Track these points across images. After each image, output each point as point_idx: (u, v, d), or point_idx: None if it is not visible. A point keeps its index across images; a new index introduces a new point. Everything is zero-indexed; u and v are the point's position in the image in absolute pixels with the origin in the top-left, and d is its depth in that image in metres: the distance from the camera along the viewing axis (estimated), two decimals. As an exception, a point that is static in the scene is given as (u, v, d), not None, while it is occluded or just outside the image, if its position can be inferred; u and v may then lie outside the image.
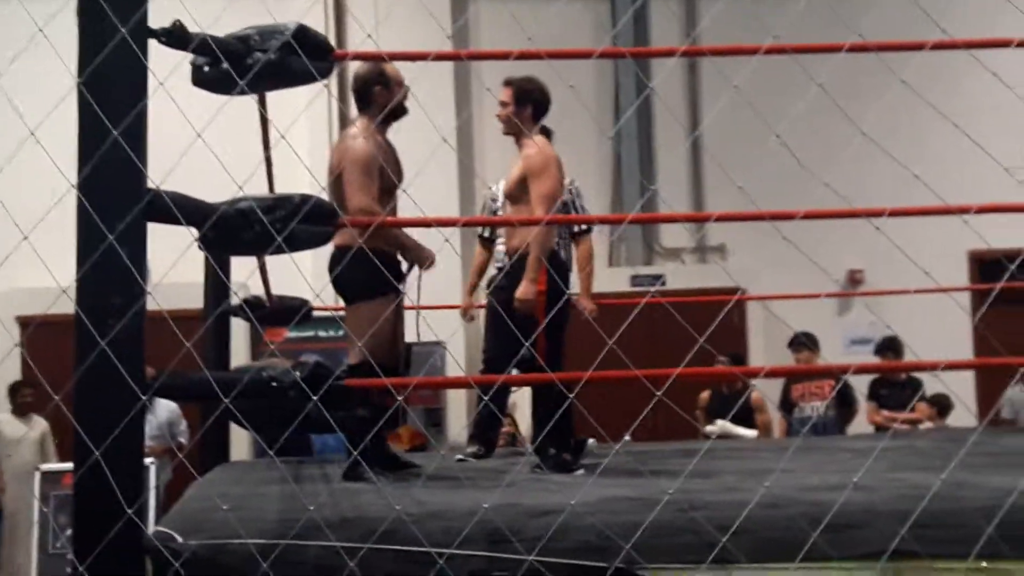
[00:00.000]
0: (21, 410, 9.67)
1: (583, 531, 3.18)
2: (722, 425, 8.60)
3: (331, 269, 4.83)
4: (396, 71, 5.07)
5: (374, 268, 4.49)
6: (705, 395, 9.46)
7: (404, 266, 4.95)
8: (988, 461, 4.58)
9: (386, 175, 4.89)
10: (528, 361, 4.79)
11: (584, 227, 6.19)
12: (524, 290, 5.14)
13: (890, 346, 8.93)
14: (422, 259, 4.90)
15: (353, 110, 5.11)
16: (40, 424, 9.62)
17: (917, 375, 9.21)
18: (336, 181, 4.83)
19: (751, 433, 8.92)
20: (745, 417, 8.94)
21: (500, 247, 6.11)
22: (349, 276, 4.73)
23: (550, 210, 5.15)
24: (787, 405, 9.42)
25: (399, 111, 5.07)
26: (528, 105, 5.40)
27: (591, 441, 5.49)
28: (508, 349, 4.92)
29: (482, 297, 6.15)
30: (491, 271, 6.17)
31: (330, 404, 3.23)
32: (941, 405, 9.01)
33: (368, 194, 4.75)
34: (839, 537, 3.14)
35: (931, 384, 8.95)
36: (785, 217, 3.44)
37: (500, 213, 6.04)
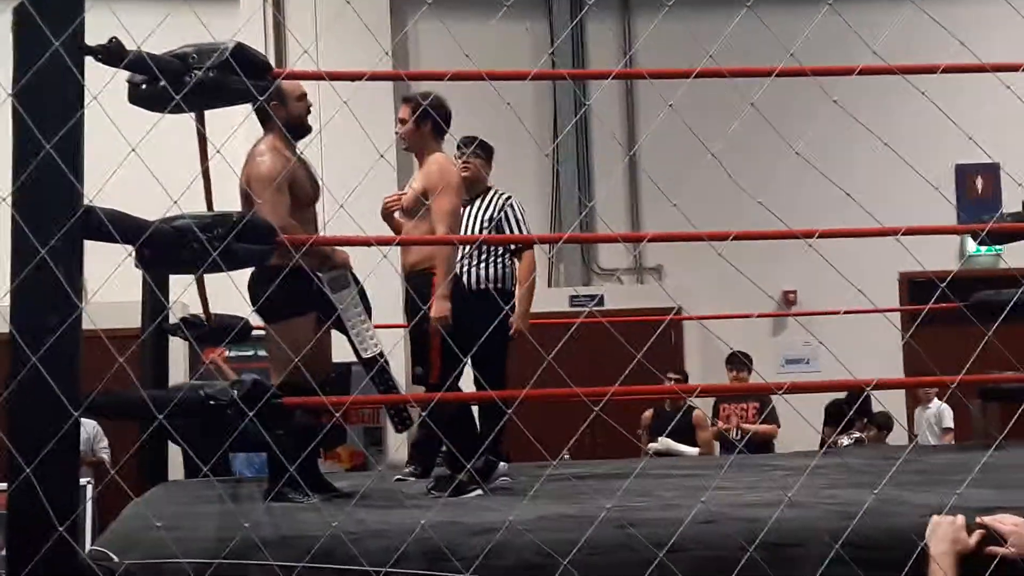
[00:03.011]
0: None
1: (522, 549, 3.18)
2: (664, 442, 8.66)
3: (251, 287, 4.65)
4: (296, 84, 5.00)
5: (290, 287, 4.17)
6: (648, 414, 9.47)
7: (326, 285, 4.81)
8: (919, 479, 4.67)
9: (296, 190, 4.82)
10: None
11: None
12: (438, 308, 5.02)
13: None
14: (339, 263, 4.82)
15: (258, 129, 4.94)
16: None
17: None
18: (246, 201, 4.75)
19: (693, 451, 8.97)
20: (687, 435, 8.99)
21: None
22: (265, 295, 4.55)
23: (452, 227, 5.18)
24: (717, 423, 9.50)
25: (304, 128, 5.01)
26: (427, 121, 5.24)
27: (503, 465, 5.40)
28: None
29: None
30: None
31: (268, 422, 3.22)
32: (882, 424, 9.10)
33: (280, 212, 4.59)
34: (774, 554, 3.17)
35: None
36: (718, 237, 3.47)
37: None
